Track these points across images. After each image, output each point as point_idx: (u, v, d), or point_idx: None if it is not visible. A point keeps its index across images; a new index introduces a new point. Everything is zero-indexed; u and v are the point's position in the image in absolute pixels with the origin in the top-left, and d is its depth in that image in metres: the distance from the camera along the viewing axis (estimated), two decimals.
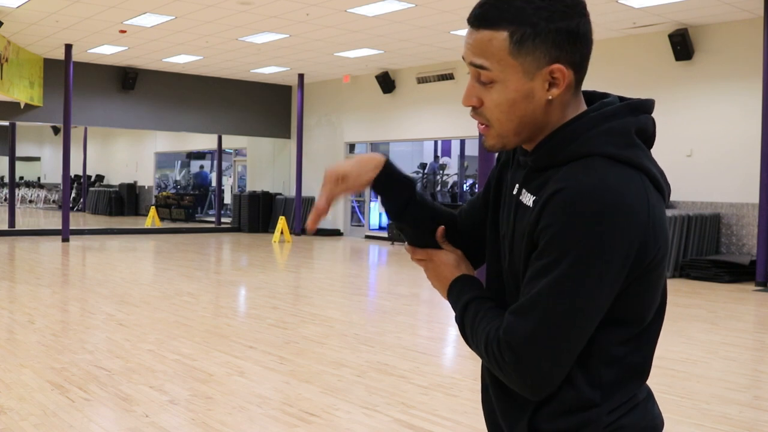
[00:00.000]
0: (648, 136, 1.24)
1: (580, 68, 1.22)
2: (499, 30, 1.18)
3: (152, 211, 21.38)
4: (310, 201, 19.18)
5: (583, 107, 1.26)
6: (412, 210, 1.40)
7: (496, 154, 1.44)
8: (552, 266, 1.14)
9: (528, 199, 1.24)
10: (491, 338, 1.21)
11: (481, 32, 1.20)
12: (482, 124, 1.26)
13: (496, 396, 1.32)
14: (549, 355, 1.15)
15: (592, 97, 1.29)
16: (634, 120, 1.22)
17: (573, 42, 1.19)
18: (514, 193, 1.30)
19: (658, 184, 1.20)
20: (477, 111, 1.25)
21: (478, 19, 1.21)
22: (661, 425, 1.28)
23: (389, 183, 1.37)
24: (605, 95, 1.29)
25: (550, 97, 1.21)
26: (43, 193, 31.62)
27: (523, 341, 1.15)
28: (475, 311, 1.29)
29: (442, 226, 1.43)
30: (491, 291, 1.36)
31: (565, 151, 1.20)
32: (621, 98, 1.27)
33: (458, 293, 1.36)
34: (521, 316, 1.16)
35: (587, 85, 1.29)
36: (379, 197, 1.40)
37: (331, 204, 1.34)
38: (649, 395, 1.29)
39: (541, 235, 1.16)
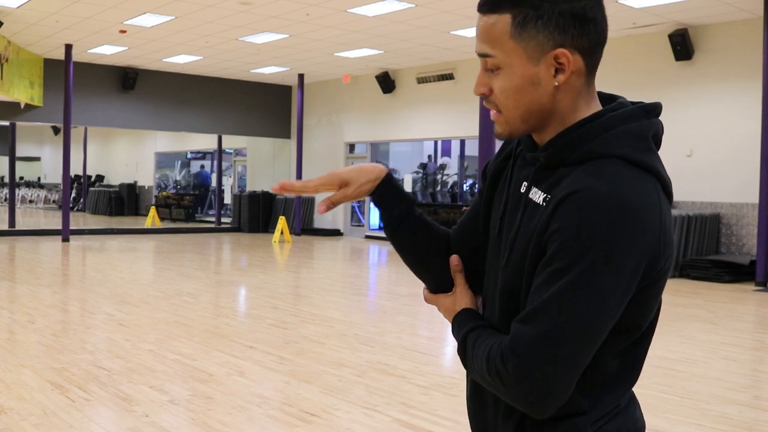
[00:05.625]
0: (658, 140, 1.22)
1: (590, 54, 1.18)
2: (503, 13, 1.17)
3: (152, 211, 21.38)
4: (310, 201, 19.17)
5: (597, 102, 1.23)
6: (410, 225, 1.40)
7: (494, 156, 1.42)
8: (563, 272, 1.09)
9: (538, 196, 1.20)
10: (494, 352, 1.15)
11: (487, 17, 1.20)
12: (495, 112, 1.24)
13: (494, 400, 1.27)
14: (555, 364, 1.08)
15: (599, 98, 1.26)
16: (649, 123, 1.20)
17: (580, 26, 1.16)
18: (522, 191, 1.25)
19: (669, 190, 1.19)
20: (488, 99, 1.24)
21: (484, 5, 1.20)
22: (642, 428, 1.27)
23: (389, 194, 1.39)
24: (612, 96, 1.26)
25: (556, 84, 1.18)
26: (43, 193, 31.62)
27: (529, 348, 1.09)
28: (475, 337, 1.24)
29: (456, 255, 1.39)
30: (489, 292, 1.33)
31: (581, 149, 1.17)
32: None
33: (458, 328, 1.32)
34: (529, 322, 1.10)
35: None
36: (378, 209, 1.42)
37: (330, 208, 1.37)
38: (632, 399, 1.27)
39: (552, 238, 1.11)
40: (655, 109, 1.22)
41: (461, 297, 1.37)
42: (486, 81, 1.22)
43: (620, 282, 1.09)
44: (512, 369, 1.10)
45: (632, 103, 1.24)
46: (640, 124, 1.19)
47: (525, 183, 1.25)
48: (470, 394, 1.37)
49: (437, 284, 1.42)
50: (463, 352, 1.27)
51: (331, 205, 1.36)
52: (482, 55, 1.21)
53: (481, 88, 1.23)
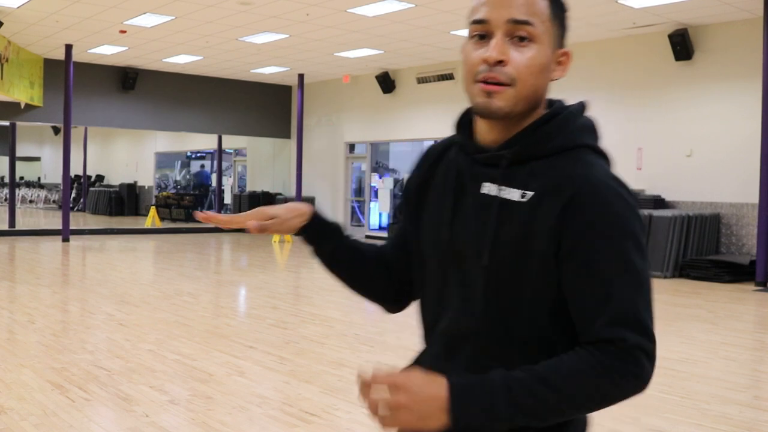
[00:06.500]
0: None
1: None
2: None
3: (152, 211, 21.36)
4: (310, 201, 19.16)
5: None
6: (340, 256, 1.47)
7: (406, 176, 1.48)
8: (621, 262, 1.17)
9: (514, 194, 1.24)
10: (607, 366, 1.13)
11: None
12: (497, 84, 1.22)
13: None
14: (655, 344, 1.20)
15: None
16: (590, 118, 1.32)
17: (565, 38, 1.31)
18: (486, 192, 1.27)
19: None
20: (499, 69, 1.23)
21: None
22: None
23: (316, 232, 1.45)
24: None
25: (556, 77, 1.28)
26: (43, 193, 31.61)
27: (651, 343, 1.17)
28: (533, 381, 1.12)
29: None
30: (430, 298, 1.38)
31: (553, 142, 1.25)
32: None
33: (479, 391, 1.13)
34: (636, 323, 1.15)
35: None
36: (309, 246, 1.48)
37: (260, 230, 1.41)
38: None
39: (581, 234, 1.18)
40: (586, 106, 1.34)
41: (430, 375, 1.17)
42: (507, 49, 1.23)
43: (646, 249, 1.22)
44: (648, 365, 1.16)
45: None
46: (586, 118, 1.31)
47: (487, 184, 1.28)
48: None
49: (380, 300, 1.51)
50: (520, 408, 1.11)
51: (263, 228, 1.41)
52: (520, 22, 1.23)
53: (501, 55, 1.22)
